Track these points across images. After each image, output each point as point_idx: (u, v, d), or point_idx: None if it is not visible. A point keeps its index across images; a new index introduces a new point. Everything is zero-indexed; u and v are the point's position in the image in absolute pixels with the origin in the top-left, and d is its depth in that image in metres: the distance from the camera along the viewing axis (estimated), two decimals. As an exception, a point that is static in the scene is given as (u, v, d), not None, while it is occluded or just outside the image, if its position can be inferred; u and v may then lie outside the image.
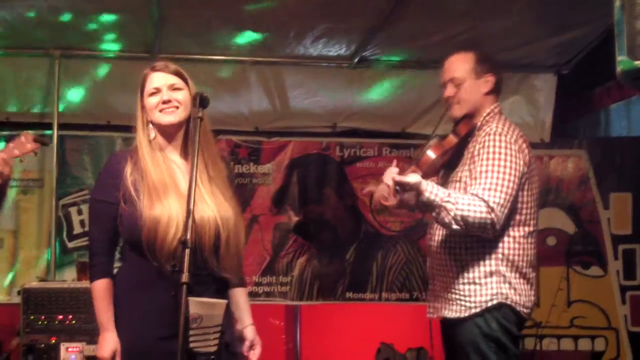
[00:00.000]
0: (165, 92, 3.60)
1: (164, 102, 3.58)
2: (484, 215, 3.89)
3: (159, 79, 3.64)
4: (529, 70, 7.07)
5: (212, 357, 3.34)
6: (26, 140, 4.02)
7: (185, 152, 3.63)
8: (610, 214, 7.34)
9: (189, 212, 3.14)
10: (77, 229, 6.92)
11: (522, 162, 4.04)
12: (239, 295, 3.75)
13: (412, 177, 3.90)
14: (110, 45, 6.47)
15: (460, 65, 4.26)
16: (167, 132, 3.63)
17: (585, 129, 7.94)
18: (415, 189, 3.90)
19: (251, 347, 3.70)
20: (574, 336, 7.26)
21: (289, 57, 6.76)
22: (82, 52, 6.54)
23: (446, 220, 3.92)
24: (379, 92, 7.14)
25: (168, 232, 3.39)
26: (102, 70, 6.73)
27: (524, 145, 4.12)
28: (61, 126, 6.68)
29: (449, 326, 4.21)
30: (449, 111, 4.33)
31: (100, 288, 3.57)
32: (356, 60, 6.77)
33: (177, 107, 3.58)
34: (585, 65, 6.93)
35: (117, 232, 3.58)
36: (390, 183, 3.90)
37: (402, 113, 7.24)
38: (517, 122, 6.43)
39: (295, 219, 7.19)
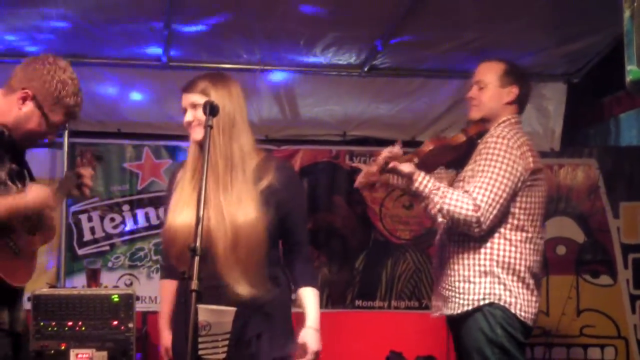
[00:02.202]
0: (189, 112, 3.70)
1: (189, 124, 3.68)
2: (470, 213, 4.04)
3: (184, 100, 3.74)
4: (539, 79, 7.05)
5: (221, 364, 3.35)
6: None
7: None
8: (620, 222, 7.34)
9: (198, 220, 3.15)
10: (87, 236, 6.95)
11: (520, 168, 4.12)
12: (305, 295, 3.69)
13: (405, 166, 4.09)
14: (121, 53, 6.48)
15: (488, 71, 4.42)
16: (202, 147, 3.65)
17: (595, 138, 7.94)
18: (405, 175, 4.09)
19: (302, 353, 3.58)
20: (583, 345, 7.25)
21: (299, 65, 6.77)
22: (92, 59, 6.55)
23: (432, 211, 4.11)
24: (389, 101, 7.14)
25: (177, 240, 3.48)
26: (113, 78, 6.75)
27: (529, 153, 4.19)
28: (72, 133, 6.71)
29: (453, 325, 4.30)
30: (468, 111, 4.45)
31: (161, 288, 3.87)
32: (366, 68, 6.77)
33: (199, 124, 3.62)
34: (595, 74, 6.92)
35: None
36: (382, 160, 4.02)
37: (412, 121, 7.25)
38: (527, 131, 6.41)
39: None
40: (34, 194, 3.57)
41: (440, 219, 4.10)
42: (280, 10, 5.75)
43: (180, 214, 3.53)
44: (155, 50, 6.41)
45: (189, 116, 3.69)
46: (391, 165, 4.09)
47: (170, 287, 3.79)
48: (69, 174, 4.08)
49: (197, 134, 3.65)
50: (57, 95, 3.63)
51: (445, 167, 4.52)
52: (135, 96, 6.87)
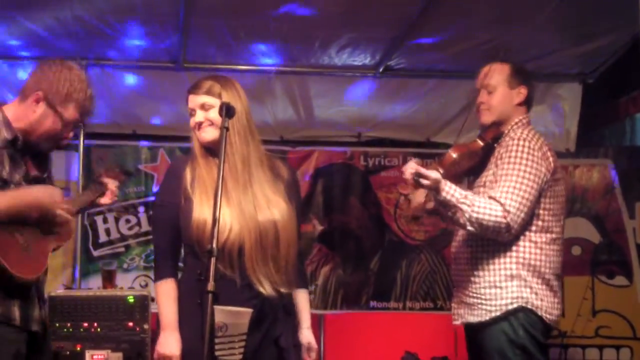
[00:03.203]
0: (198, 113, 3.70)
1: (198, 124, 3.68)
2: (499, 219, 3.97)
3: (192, 101, 3.73)
4: (554, 80, 7.04)
5: (238, 365, 3.36)
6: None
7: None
8: (636, 223, 7.31)
9: (214, 221, 3.15)
10: (103, 238, 6.97)
11: (544, 169, 4.08)
12: (298, 298, 3.76)
13: (432, 172, 3.97)
14: (136, 54, 6.50)
15: (495, 74, 4.36)
16: (211, 148, 3.70)
17: (610, 138, 7.91)
18: (434, 185, 3.98)
19: (308, 351, 3.73)
20: (598, 346, 7.23)
21: (314, 66, 6.77)
22: (107, 61, 6.57)
23: (461, 221, 4.02)
24: (403, 102, 7.13)
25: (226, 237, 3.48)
26: (128, 79, 6.77)
27: (549, 153, 4.15)
28: (87, 135, 6.73)
29: (474, 332, 4.24)
30: (478, 117, 4.39)
31: (162, 288, 3.67)
32: (381, 69, 6.77)
33: (211, 125, 3.66)
34: (611, 74, 6.89)
35: (179, 234, 3.65)
36: (409, 175, 3.95)
37: (427, 122, 7.24)
38: (542, 131, 6.42)
39: (319, 228, 7.21)
40: (42, 190, 3.73)
41: (469, 228, 4.02)
42: (296, 11, 5.75)
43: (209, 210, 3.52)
44: (170, 51, 6.42)
45: (199, 117, 3.69)
46: (417, 169, 3.96)
47: (172, 286, 3.68)
48: (94, 184, 4.19)
49: (207, 134, 3.67)
50: (65, 92, 3.75)
51: (464, 174, 4.46)
52: (151, 98, 6.88)
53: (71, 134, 3.93)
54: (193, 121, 3.71)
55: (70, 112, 3.79)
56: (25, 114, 3.75)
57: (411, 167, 3.97)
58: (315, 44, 6.35)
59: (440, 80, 7.02)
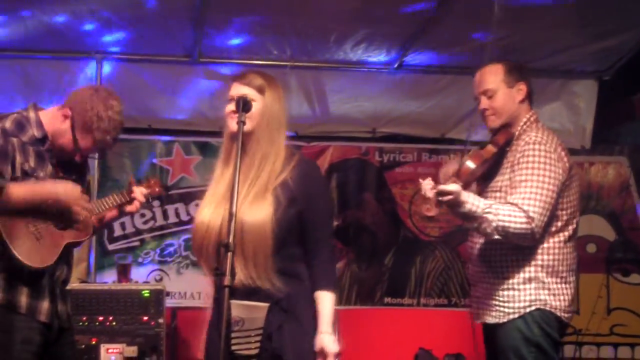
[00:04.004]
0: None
1: (233, 113, 3.56)
2: (524, 225, 3.94)
3: (234, 89, 3.65)
4: (570, 77, 7.03)
5: (254, 360, 3.35)
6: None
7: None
8: (651, 221, 7.30)
9: (230, 216, 3.16)
10: (118, 232, 6.98)
11: (561, 171, 4.05)
12: (319, 299, 3.59)
13: (453, 186, 3.91)
14: (151, 48, 6.51)
15: (491, 77, 4.28)
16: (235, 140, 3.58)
17: (626, 136, 7.88)
18: (455, 199, 3.91)
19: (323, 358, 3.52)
20: (613, 344, 7.21)
21: (329, 62, 6.77)
22: (123, 55, 6.59)
23: (488, 230, 3.95)
24: (418, 98, 7.13)
25: (203, 237, 3.46)
26: (144, 74, 6.77)
27: (563, 153, 4.12)
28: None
29: (491, 331, 4.23)
30: (485, 123, 4.33)
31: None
32: (396, 65, 6.76)
33: (248, 118, 3.56)
34: (627, 71, 6.88)
35: None
36: (431, 195, 3.89)
37: (442, 118, 7.24)
38: (558, 128, 6.44)
39: (334, 223, 7.20)
40: (62, 185, 3.82)
41: (496, 237, 3.97)
42: (311, 6, 5.75)
43: (211, 212, 3.51)
44: (185, 46, 6.43)
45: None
46: (439, 188, 3.90)
47: None
48: (122, 191, 4.27)
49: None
50: (89, 125, 3.87)
51: (474, 181, 4.39)
52: (166, 92, 6.88)
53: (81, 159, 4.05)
54: (229, 109, 3.60)
55: (86, 142, 3.92)
56: (54, 122, 3.90)
57: (430, 187, 3.91)
58: (330, 40, 6.35)
59: (455, 76, 7.01)
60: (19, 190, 3.63)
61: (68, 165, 3.98)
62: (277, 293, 3.46)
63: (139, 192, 4.25)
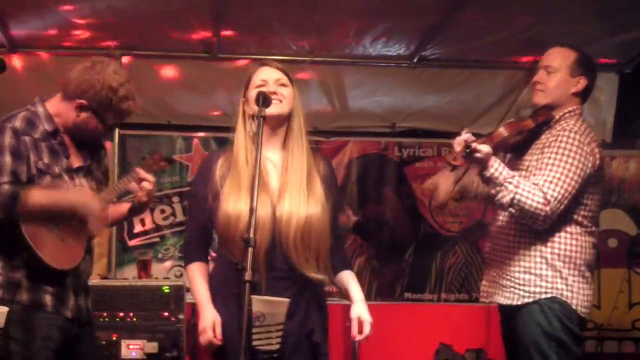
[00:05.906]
0: (272, 85, 3.61)
1: (271, 94, 3.55)
2: (540, 206, 3.94)
3: (267, 73, 3.66)
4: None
5: (275, 355, 3.36)
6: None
7: (285, 149, 3.63)
8: (673, 215, 7.27)
9: (252, 211, 3.16)
10: (138, 228, 7.01)
11: (590, 165, 4.04)
12: (343, 277, 3.73)
13: (485, 147, 3.94)
14: (170, 44, 6.51)
15: (559, 58, 4.27)
16: (269, 125, 3.58)
17: (647, 130, 7.85)
18: (483, 159, 3.94)
19: (359, 326, 3.64)
20: (635, 339, 7.18)
21: (349, 57, 6.77)
22: (142, 52, 6.60)
23: (504, 200, 3.97)
24: (438, 92, 7.12)
25: (239, 228, 3.41)
26: (163, 70, 6.78)
27: (597, 150, 4.11)
28: (122, 126, 6.74)
29: (509, 316, 4.21)
30: (532, 96, 4.31)
31: (192, 271, 3.67)
32: (416, 60, 6.76)
33: (281, 101, 3.57)
34: (648, 64, 6.85)
35: (209, 225, 3.63)
36: (461, 147, 3.90)
37: (462, 113, 7.20)
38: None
39: (354, 219, 7.21)
40: (76, 195, 3.79)
41: (509, 209, 3.98)
42: (330, 1, 5.74)
43: (244, 201, 3.45)
44: (204, 41, 6.43)
45: (272, 87, 3.59)
46: (470, 140, 3.93)
47: (202, 269, 3.67)
48: (129, 176, 4.15)
49: (276, 107, 3.55)
50: (109, 102, 3.82)
51: (504, 152, 4.40)
52: (185, 88, 6.89)
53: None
54: (257, 92, 3.54)
55: (112, 118, 3.90)
56: (67, 114, 3.84)
57: (464, 139, 3.94)
58: (349, 34, 6.34)
59: (475, 70, 7.00)
60: (35, 196, 3.60)
61: (83, 149, 3.94)
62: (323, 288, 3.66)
63: (143, 172, 4.14)
